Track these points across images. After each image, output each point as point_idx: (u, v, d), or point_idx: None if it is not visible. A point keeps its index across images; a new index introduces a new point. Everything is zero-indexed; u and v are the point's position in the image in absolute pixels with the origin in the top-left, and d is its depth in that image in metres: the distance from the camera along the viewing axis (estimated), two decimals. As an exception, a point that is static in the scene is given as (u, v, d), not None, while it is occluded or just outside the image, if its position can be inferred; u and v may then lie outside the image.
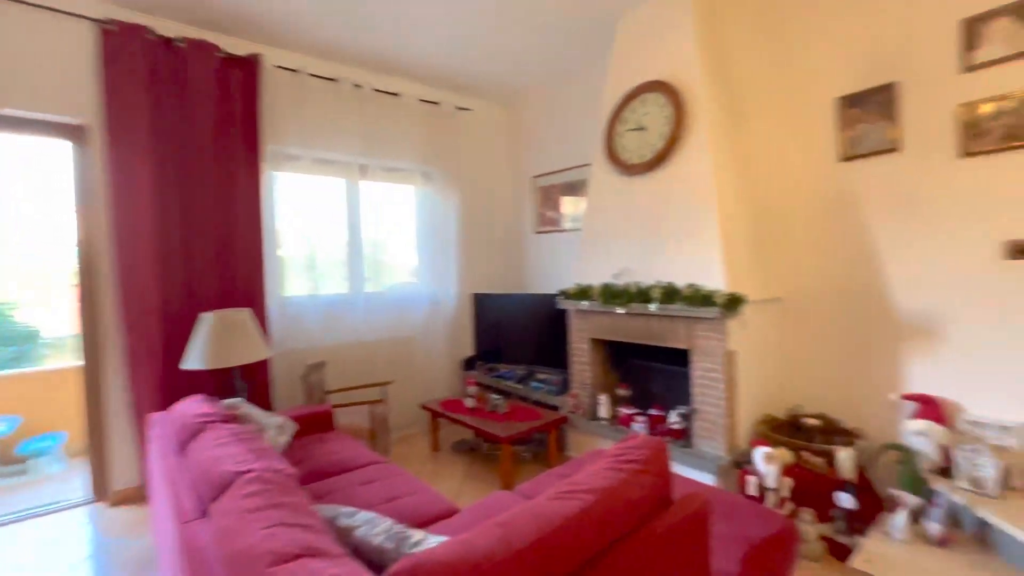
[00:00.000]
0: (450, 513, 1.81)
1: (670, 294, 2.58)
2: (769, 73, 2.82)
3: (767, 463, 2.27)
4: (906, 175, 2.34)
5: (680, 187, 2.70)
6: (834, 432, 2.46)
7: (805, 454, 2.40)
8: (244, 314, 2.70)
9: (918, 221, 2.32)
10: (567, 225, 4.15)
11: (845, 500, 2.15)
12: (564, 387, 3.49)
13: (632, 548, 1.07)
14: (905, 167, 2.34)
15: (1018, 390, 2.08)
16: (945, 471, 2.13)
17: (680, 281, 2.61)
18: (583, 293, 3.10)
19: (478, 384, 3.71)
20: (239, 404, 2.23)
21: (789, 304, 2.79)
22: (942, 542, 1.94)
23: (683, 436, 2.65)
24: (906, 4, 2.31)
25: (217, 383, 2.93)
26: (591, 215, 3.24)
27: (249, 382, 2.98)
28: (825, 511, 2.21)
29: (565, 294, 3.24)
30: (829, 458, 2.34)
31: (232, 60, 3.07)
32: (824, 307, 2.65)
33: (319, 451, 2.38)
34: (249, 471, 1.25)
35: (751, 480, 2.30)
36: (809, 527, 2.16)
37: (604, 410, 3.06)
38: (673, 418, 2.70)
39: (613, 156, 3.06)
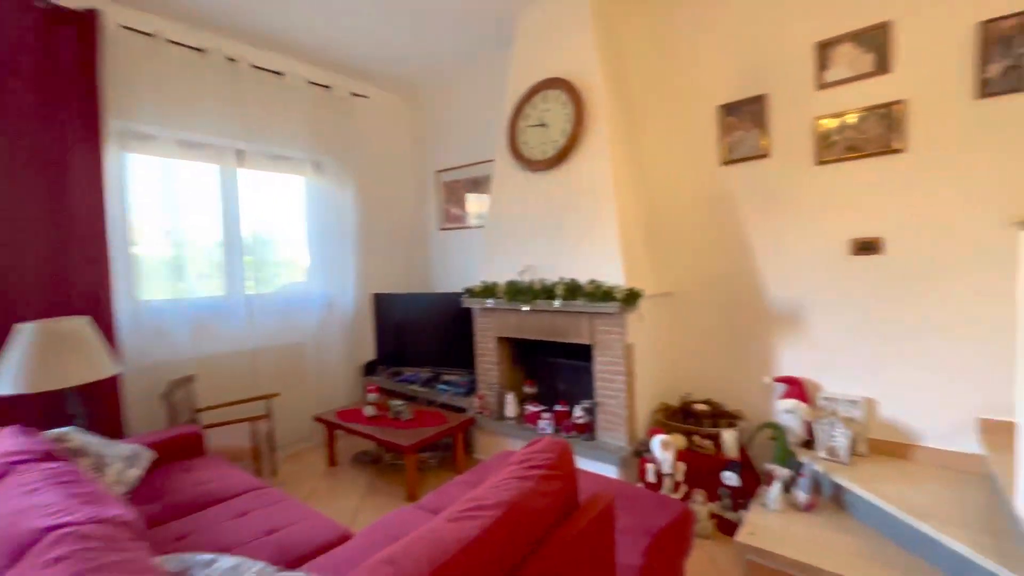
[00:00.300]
0: (342, 540, 1.62)
1: (573, 290, 2.60)
2: (660, 80, 2.97)
3: (663, 450, 2.38)
4: (774, 179, 2.60)
5: (581, 185, 2.74)
6: (720, 415, 2.66)
7: (696, 438, 2.56)
8: (80, 323, 2.22)
9: (784, 220, 2.58)
10: (473, 222, 4.06)
11: (730, 478, 2.32)
12: (471, 388, 3.40)
13: (539, 561, 1.00)
14: (773, 172, 2.60)
15: (860, 369, 2.39)
16: (809, 444, 2.40)
17: (583, 277, 2.65)
18: (488, 291, 3.03)
19: (380, 390, 3.48)
20: (69, 434, 1.81)
21: (679, 298, 2.97)
22: (808, 508, 2.17)
23: (587, 430, 2.69)
24: (773, 24, 2.55)
25: (45, 409, 2.38)
26: (495, 211, 3.18)
27: (91, 406, 2.46)
28: (714, 490, 2.37)
29: (470, 292, 3.14)
30: (716, 440, 2.52)
31: (59, 14, 2.51)
32: (709, 300, 2.86)
33: (183, 482, 2.03)
34: (61, 526, 0.97)
35: (650, 467, 2.39)
36: (700, 507, 2.30)
37: (511, 409, 3.02)
38: (577, 412, 2.73)
39: (516, 152, 3.03)
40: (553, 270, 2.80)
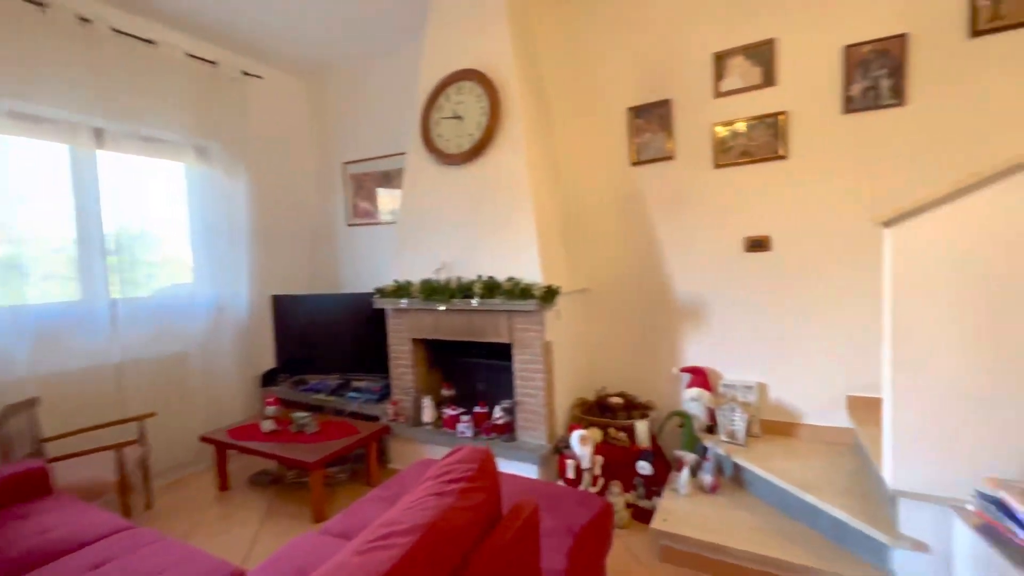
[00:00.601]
0: (231, 581, 1.40)
1: (491, 288, 2.54)
2: (573, 79, 3.01)
3: (582, 445, 2.40)
4: (679, 180, 2.74)
5: (498, 180, 2.69)
6: (633, 407, 2.76)
7: (612, 431, 2.63)
8: None
9: (688, 220, 2.74)
10: (385, 218, 3.84)
11: (644, 468, 2.41)
12: (385, 394, 3.20)
13: (459, 585, 0.91)
14: (678, 173, 2.74)
15: (754, 356, 2.61)
16: (712, 429, 2.56)
17: (501, 275, 2.60)
18: (402, 290, 2.86)
19: (281, 402, 3.15)
20: None
21: (594, 294, 3.04)
22: (713, 489, 2.31)
23: (508, 430, 2.65)
24: (675, 33, 2.69)
25: None
26: (408, 206, 3.02)
27: None
28: (629, 480, 2.44)
29: (382, 292, 2.95)
30: (630, 431, 2.61)
31: None
32: (622, 295, 2.96)
33: (19, 532, 1.64)
34: None
35: (569, 463, 2.40)
36: (617, 498, 2.36)
37: (428, 414, 2.89)
38: (497, 413, 2.68)
39: (430, 144, 2.89)
40: (470, 267, 2.72)
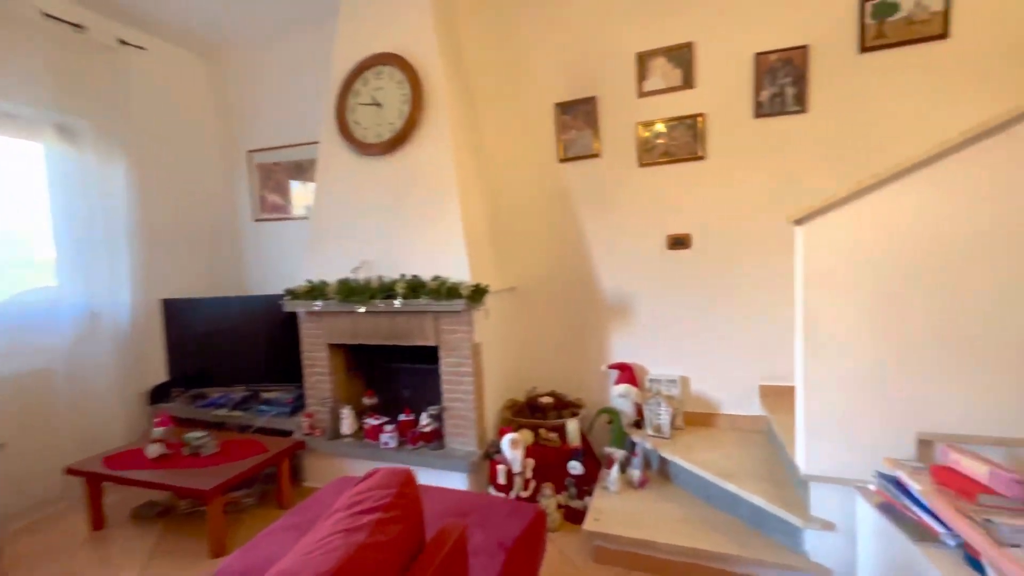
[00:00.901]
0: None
1: (415, 288, 2.38)
2: (500, 71, 2.92)
3: (513, 448, 2.32)
4: (605, 178, 2.75)
5: (422, 172, 2.53)
6: (564, 406, 2.73)
7: (542, 431, 2.58)
8: None
9: (614, 217, 2.76)
10: (298, 212, 3.52)
11: (575, 468, 2.38)
12: (299, 406, 2.92)
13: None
14: (604, 171, 2.75)
15: (677, 350, 2.68)
16: (639, 424, 2.60)
17: (426, 273, 2.45)
18: (316, 291, 2.61)
19: (175, 421, 2.76)
20: None
21: (523, 292, 2.98)
22: (642, 484, 2.33)
23: (435, 438, 2.51)
24: (600, 31, 2.69)
25: None
26: (323, 200, 2.77)
27: None
28: (561, 481, 2.40)
29: (293, 294, 2.68)
30: (561, 431, 2.57)
31: None
32: (551, 293, 2.93)
33: None
34: None
35: (500, 469, 2.31)
36: (549, 500, 2.31)
37: (348, 425, 2.66)
38: (424, 420, 2.53)
39: (347, 133, 2.66)
40: (393, 266, 2.53)
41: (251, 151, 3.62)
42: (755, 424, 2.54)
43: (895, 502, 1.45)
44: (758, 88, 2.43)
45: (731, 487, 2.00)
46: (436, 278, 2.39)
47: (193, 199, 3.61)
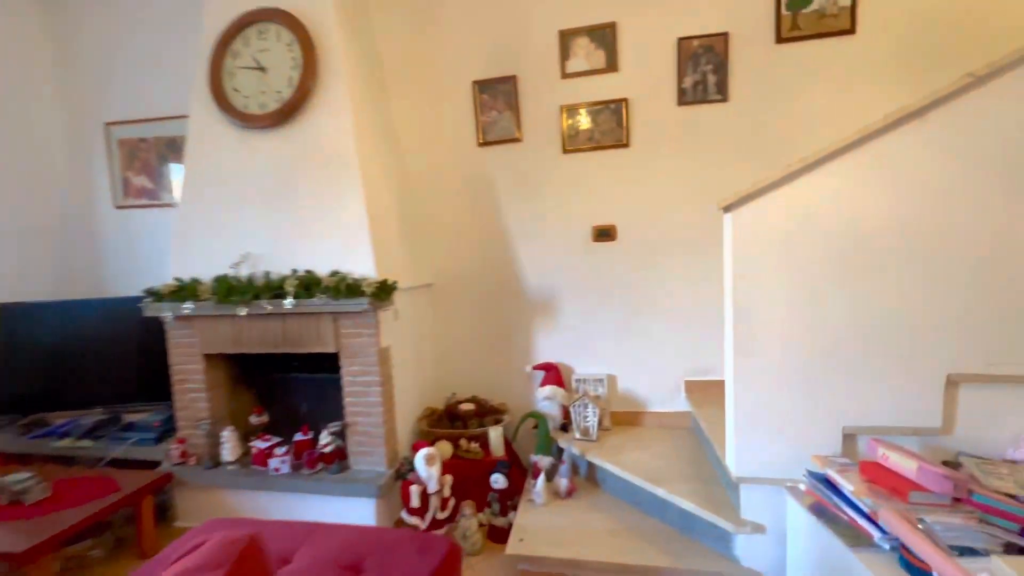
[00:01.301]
0: None
1: (309, 285, 2.03)
2: (412, 42, 2.62)
3: (428, 465, 2.05)
4: (527, 164, 2.56)
5: (317, 150, 2.17)
6: (486, 412, 2.50)
7: (463, 442, 2.33)
8: None
9: (537, 207, 2.57)
10: (174, 198, 2.97)
11: (497, 481, 2.15)
12: (169, 429, 2.43)
13: None
14: (526, 157, 2.55)
15: (603, 347, 2.56)
16: (567, 427, 2.44)
17: (323, 268, 2.10)
18: (186, 291, 2.16)
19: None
20: None
21: (440, 289, 2.71)
22: (569, 493, 2.17)
23: (338, 458, 2.17)
24: (520, 4, 2.48)
25: None
26: (195, 181, 2.30)
27: None
28: (484, 497, 2.17)
29: (156, 295, 2.20)
30: (483, 440, 2.34)
31: None
32: (471, 289, 2.68)
33: None
34: None
35: (414, 490, 2.03)
36: (470, 520, 2.07)
37: (230, 450, 2.24)
38: (325, 439, 2.18)
39: (224, 101, 2.23)
40: (282, 260, 2.15)
41: (110, 124, 3.00)
42: (681, 420, 2.47)
43: (827, 503, 1.37)
44: (681, 75, 2.35)
45: (661, 492, 1.88)
46: (335, 273, 2.06)
47: (32, 182, 2.93)
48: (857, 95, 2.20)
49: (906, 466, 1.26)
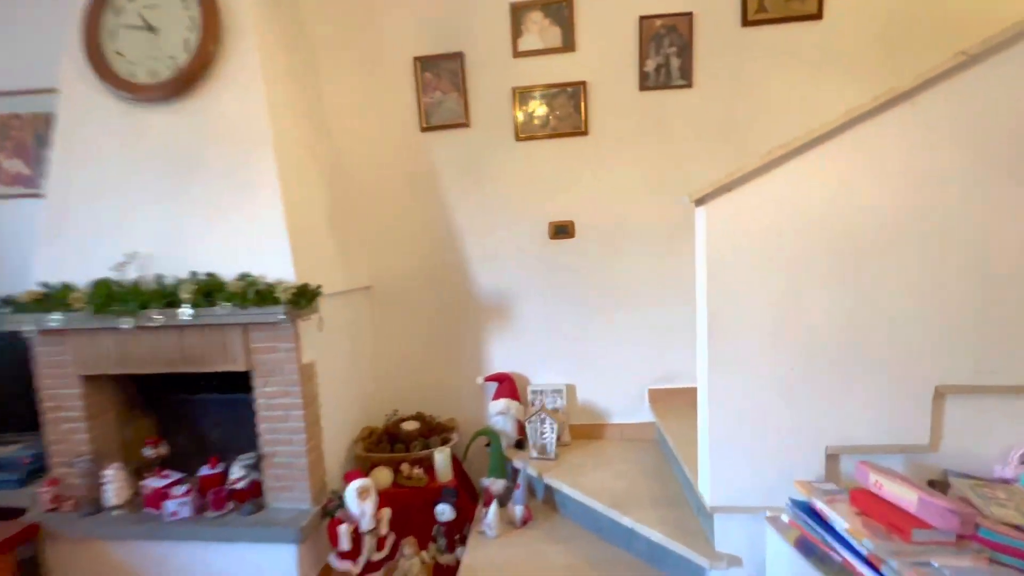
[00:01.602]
0: None
1: (211, 291, 1.68)
2: (346, 16, 2.28)
3: (361, 500, 1.76)
4: (477, 153, 2.29)
5: (222, 129, 1.81)
6: (432, 431, 2.22)
7: (405, 467, 2.05)
8: None
9: (489, 201, 2.31)
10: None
11: (443, 513, 1.89)
12: (40, 467, 2.00)
13: None
14: (476, 144, 2.29)
15: (561, 356, 2.34)
16: (522, 444, 2.20)
17: (229, 271, 1.75)
18: (53, 300, 1.75)
19: None
20: None
21: (380, 293, 2.40)
22: (524, 522, 1.93)
23: (252, 495, 1.83)
24: (467, -28, 2.21)
25: None
26: (66, 164, 1.88)
27: None
28: (428, 531, 1.90)
29: (14, 304, 1.77)
30: (429, 464, 2.07)
31: None
32: (415, 292, 2.39)
33: None
34: None
35: (343, 530, 1.73)
36: (412, 561, 1.79)
37: (117, 491, 1.84)
38: (237, 473, 1.84)
39: (103, 67, 1.83)
40: (179, 261, 1.78)
41: (-29, 96, 2.48)
42: (645, 432, 2.30)
43: (815, 539, 1.20)
44: (643, 57, 2.16)
45: (627, 521, 1.68)
46: (244, 277, 1.72)
47: None
48: (825, 83, 2.08)
49: (905, 497, 1.10)
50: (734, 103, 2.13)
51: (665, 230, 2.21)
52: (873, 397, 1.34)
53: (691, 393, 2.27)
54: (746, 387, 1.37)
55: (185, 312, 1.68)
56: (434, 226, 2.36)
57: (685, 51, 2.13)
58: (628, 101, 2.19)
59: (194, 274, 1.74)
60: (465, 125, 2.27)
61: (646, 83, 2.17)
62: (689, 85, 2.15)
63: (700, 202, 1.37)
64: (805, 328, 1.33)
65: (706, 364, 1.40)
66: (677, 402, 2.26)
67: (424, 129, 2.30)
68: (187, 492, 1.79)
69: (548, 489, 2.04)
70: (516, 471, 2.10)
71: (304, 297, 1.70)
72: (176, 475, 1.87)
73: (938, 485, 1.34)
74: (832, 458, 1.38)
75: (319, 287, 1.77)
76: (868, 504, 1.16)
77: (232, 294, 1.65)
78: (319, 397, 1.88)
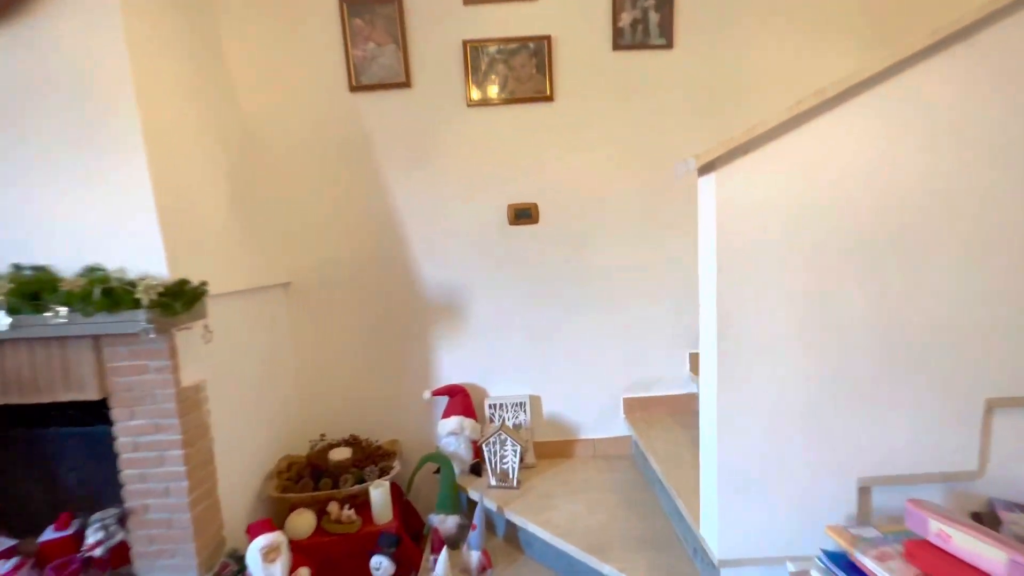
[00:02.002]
0: None
1: (39, 291, 1.20)
2: (248, -62, 1.82)
3: (268, 561, 1.35)
4: (420, 119, 1.90)
5: (62, 69, 1.32)
6: (368, 459, 1.82)
7: (332, 508, 1.64)
8: None
9: (437, 179, 1.92)
10: None
11: (380, 566, 1.50)
12: None
13: None
14: (418, 109, 1.89)
15: (523, 363, 1.99)
16: (478, 468, 1.85)
17: (73, 262, 1.27)
18: None
19: None
20: None
21: (302, 291, 1.96)
22: (483, 569, 1.57)
23: (115, 564, 1.37)
24: None
25: None
26: None
27: None
28: (360, 590, 1.51)
29: None
30: (364, 500, 1.68)
31: None
32: (346, 290, 1.97)
33: None
34: None
35: (243, 605, 1.31)
36: (338, 635, 1.40)
37: (-88, 572, 1.33)
38: (94, 536, 1.37)
39: None
40: (-3, 250, 1.29)
41: None
42: (620, 447, 2.00)
43: (862, 609, 0.92)
44: (617, 9, 1.83)
45: (608, 571, 1.36)
46: (91, 271, 1.25)
47: None
48: (820, 47, 1.83)
49: (987, 555, 0.83)
50: (719, 67, 1.85)
51: (641, 213, 1.91)
52: (913, 415, 1.08)
53: (671, 402, 2.01)
54: (763, 409, 1.08)
55: (4, 321, 1.20)
56: (368, 209, 1.94)
57: (665, 3, 1.82)
58: (600, 62, 1.86)
59: (17, 267, 1.25)
60: (405, 85, 1.87)
61: (620, 41, 1.85)
62: (669, 45, 1.85)
63: (707, 169, 1.05)
64: (837, 332, 1.05)
65: (714, 379, 1.09)
66: (656, 412, 1.98)
67: (354, 89, 1.87)
68: (18, 567, 1.31)
69: (511, 524, 1.70)
70: (472, 502, 1.74)
71: (180, 298, 1.25)
72: (5, 542, 1.38)
73: (984, 519, 1.10)
74: (864, 491, 1.11)
75: (204, 284, 1.32)
76: (932, 562, 0.89)
77: (69, 295, 1.18)
78: (211, 428, 1.44)
